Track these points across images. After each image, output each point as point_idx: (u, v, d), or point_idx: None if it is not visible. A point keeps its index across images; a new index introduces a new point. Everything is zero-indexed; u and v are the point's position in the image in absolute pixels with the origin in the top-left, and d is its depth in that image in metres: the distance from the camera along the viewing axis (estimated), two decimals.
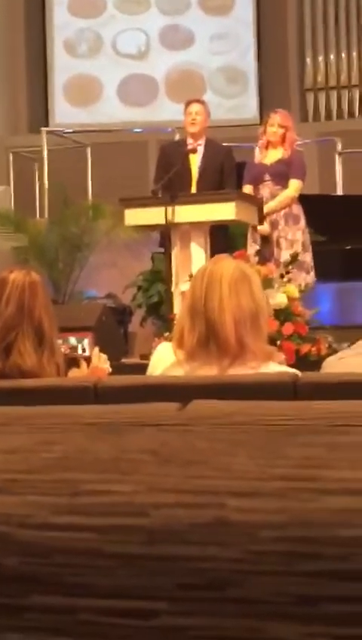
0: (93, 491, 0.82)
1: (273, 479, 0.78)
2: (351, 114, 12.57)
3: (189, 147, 7.76)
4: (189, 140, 7.93)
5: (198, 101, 8.16)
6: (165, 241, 7.33)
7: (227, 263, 3.27)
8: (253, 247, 7.58)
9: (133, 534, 0.79)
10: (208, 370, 3.17)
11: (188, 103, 8.07)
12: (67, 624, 0.82)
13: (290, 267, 6.60)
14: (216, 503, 0.78)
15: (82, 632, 0.81)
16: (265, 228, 7.46)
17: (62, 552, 0.81)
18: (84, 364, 3.97)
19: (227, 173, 7.89)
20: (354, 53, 12.64)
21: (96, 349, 4.15)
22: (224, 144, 8.24)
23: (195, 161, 7.84)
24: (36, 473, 0.83)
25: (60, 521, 0.81)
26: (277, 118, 7.72)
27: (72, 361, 3.98)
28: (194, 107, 7.97)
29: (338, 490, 0.78)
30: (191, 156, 7.74)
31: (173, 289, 6.89)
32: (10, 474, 0.84)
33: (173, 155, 7.84)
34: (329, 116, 12.64)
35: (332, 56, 12.67)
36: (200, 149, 7.85)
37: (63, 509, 0.81)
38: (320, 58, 12.71)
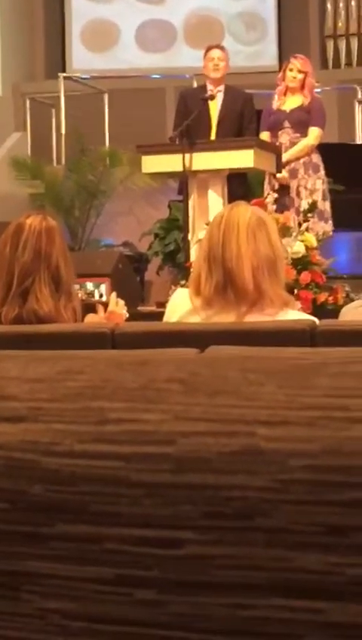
0: (120, 419, 0.81)
1: (302, 408, 0.77)
2: None
3: (208, 94, 7.69)
4: (209, 87, 7.86)
5: (219, 47, 8.09)
6: (182, 189, 7.30)
7: (243, 209, 3.25)
8: (271, 196, 7.53)
9: (160, 462, 0.78)
10: (225, 317, 3.16)
11: (208, 49, 7.99)
12: (92, 553, 0.81)
13: (309, 215, 6.57)
14: (245, 432, 0.77)
15: (107, 560, 0.80)
16: (283, 176, 7.41)
17: (88, 480, 0.80)
18: (101, 309, 3.97)
19: (247, 120, 7.83)
20: None
21: (114, 294, 4.15)
22: (244, 91, 8.17)
23: (215, 108, 7.78)
24: (62, 402, 0.82)
25: (86, 449, 0.80)
26: (296, 63, 7.65)
27: (89, 307, 3.98)
28: (216, 53, 7.89)
29: None
30: (211, 103, 7.68)
31: (190, 237, 6.88)
32: (36, 402, 0.83)
33: (192, 101, 7.78)
34: (349, 63, 12.50)
35: (353, 3, 12.49)
36: (220, 96, 7.79)
37: (89, 437, 0.81)
38: (341, 4, 12.54)
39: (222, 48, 8.05)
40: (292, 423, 0.76)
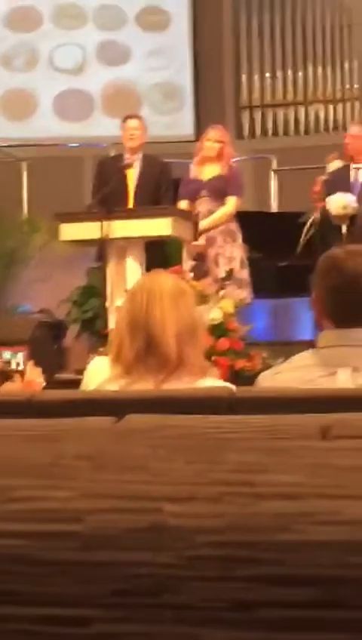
0: (27, 497, 0.80)
1: (209, 484, 0.78)
2: (286, 132, 12.67)
3: (126, 162, 7.76)
4: (126, 155, 7.94)
5: (135, 116, 8.18)
6: (101, 256, 7.32)
7: (165, 278, 3.28)
8: (188, 263, 7.59)
9: (67, 540, 0.77)
10: (144, 385, 3.16)
11: (125, 118, 8.09)
12: None
13: (226, 283, 6.63)
14: (152, 508, 0.77)
15: None
16: (200, 244, 7.48)
17: None
18: (18, 377, 3.95)
19: (164, 188, 7.91)
20: (289, 72, 12.76)
21: (31, 362, 4.13)
22: (161, 159, 8.26)
23: (132, 177, 7.84)
24: None
25: None
26: (214, 133, 7.76)
27: (6, 375, 3.95)
28: (132, 122, 7.99)
29: (275, 495, 0.77)
30: (128, 171, 7.75)
31: (108, 304, 6.88)
32: None
33: (109, 170, 7.85)
34: (264, 134, 12.73)
35: (267, 74, 12.77)
36: (137, 164, 7.86)
37: None
38: (256, 76, 12.80)
39: (139, 117, 8.15)
40: (199, 498, 0.76)
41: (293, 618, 0.72)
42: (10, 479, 0.82)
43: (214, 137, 7.72)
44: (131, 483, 0.79)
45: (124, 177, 7.77)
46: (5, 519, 0.80)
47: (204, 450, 0.83)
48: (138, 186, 7.85)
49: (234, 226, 7.68)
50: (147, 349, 3.16)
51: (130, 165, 7.74)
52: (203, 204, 7.66)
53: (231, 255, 7.58)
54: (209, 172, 7.72)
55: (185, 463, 0.80)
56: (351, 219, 8.06)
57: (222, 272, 7.32)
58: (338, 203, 8.02)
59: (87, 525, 0.77)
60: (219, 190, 7.62)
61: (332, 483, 0.80)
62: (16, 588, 0.79)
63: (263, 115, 12.76)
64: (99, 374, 3.33)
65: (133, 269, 6.73)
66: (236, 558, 0.74)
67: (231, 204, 7.63)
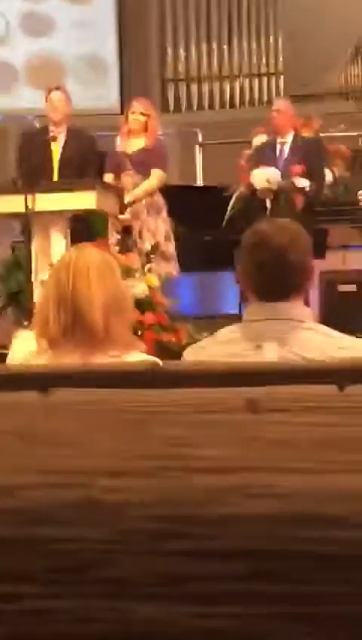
0: None
1: (141, 458, 0.78)
2: (211, 106, 12.66)
3: (50, 135, 7.69)
4: (51, 128, 7.86)
5: (59, 88, 8.10)
6: (25, 230, 7.25)
7: (91, 251, 3.27)
8: (113, 237, 7.56)
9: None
10: (70, 359, 3.15)
11: (49, 90, 8.01)
12: None
13: (152, 257, 6.62)
14: (84, 483, 0.77)
15: None
16: (126, 217, 7.46)
17: None
18: None
19: (88, 161, 7.85)
20: (215, 45, 12.75)
21: None
22: (86, 132, 8.20)
23: (57, 150, 7.77)
24: None
25: None
26: (138, 106, 7.72)
27: None
28: (56, 94, 7.90)
29: (206, 469, 0.77)
30: (53, 144, 7.68)
31: (32, 278, 6.83)
32: None
33: (34, 142, 7.76)
34: (189, 107, 12.70)
35: (193, 48, 12.74)
36: (62, 137, 7.80)
37: None
38: (181, 49, 12.77)
39: (62, 89, 8.07)
40: (130, 473, 0.76)
41: (225, 591, 0.72)
42: None
43: (139, 110, 7.69)
44: (62, 458, 0.78)
45: (49, 150, 7.70)
46: None
47: (135, 425, 0.83)
48: (63, 159, 7.78)
49: (159, 200, 7.67)
50: (73, 323, 3.15)
51: (54, 138, 7.67)
52: (128, 178, 7.63)
53: (156, 228, 7.57)
54: (134, 145, 7.69)
55: (115, 439, 0.80)
56: (276, 193, 8.09)
57: (147, 246, 7.31)
58: (263, 177, 8.03)
59: (19, 500, 0.77)
60: (144, 163, 7.59)
61: (263, 456, 0.80)
62: None
63: (188, 89, 12.74)
64: (24, 348, 3.31)
65: (57, 243, 6.68)
66: (168, 532, 0.75)
67: (156, 177, 7.61)
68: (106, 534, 0.75)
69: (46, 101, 7.92)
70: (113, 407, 1.19)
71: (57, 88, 8.02)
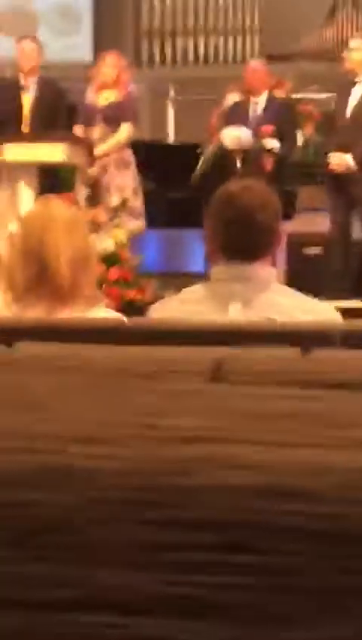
0: None
1: (111, 426, 0.78)
2: (184, 61, 12.58)
3: (21, 85, 7.63)
4: (21, 78, 7.79)
5: (30, 37, 8.03)
6: None
7: (59, 205, 3.26)
8: (81, 191, 7.53)
9: None
10: (35, 313, 3.14)
11: (20, 39, 7.93)
12: None
13: (119, 212, 6.61)
14: (53, 448, 0.76)
15: None
16: (94, 171, 7.43)
17: None
18: None
19: (60, 113, 7.81)
20: (191, 0, 12.64)
21: None
22: (57, 84, 8.14)
23: (27, 100, 7.72)
24: None
25: None
26: (110, 59, 7.68)
27: None
28: (27, 44, 7.83)
29: (176, 439, 0.78)
30: (24, 95, 7.62)
31: None
32: None
33: (3, 92, 7.71)
34: (163, 62, 12.62)
35: (168, 1, 12.62)
36: (33, 88, 7.73)
37: None
38: (156, 2, 12.65)
39: (33, 39, 8.00)
40: (100, 439, 0.76)
41: (194, 561, 0.73)
42: None
43: (111, 63, 7.65)
44: (31, 422, 0.78)
45: (19, 100, 7.64)
46: None
47: (107, 390, 0.83)
48: (33, 110, 7.73)
49: (127, 155, 7.65)
50: (39, 277, 3.14)
51: (25, 88, 7.61)
52: (97, 131, 7.59)
53: (124, 184, 7.55)
54: (105, 98, 7.66)
55: (87, 403, 0.80)
56: (246, 152, 8.08)
57: (114, 201, 7.29)
58: (233, 136, 8.02)
59: None
60: (114, 117, 7.56)
61: (230, 427, 0.81)
62: None
63: (163, 43, 12.64)
64: None
65: (25, 195, 6.65)
66: (137, 500, 0.75)
67: (125, 130, 7.58)
68: (76, 500, 0.75)
69: (16, 50, 7.84)
70: (82, 367, 1.19)
71: (26, 38, 7.95)
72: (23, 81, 7.73)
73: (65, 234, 3.13)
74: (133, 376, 1.04)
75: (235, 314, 3.08)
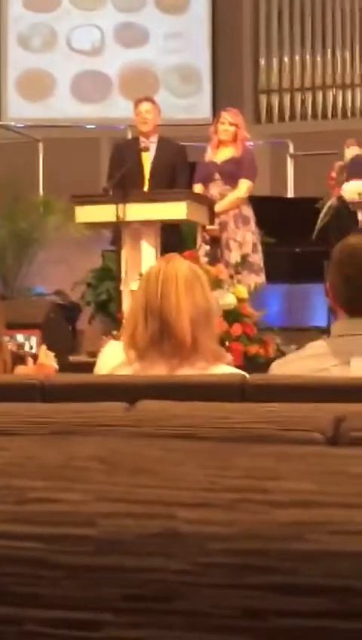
0: (40, 499, 0.80)
1: (222, 490, 0.78)
2: (303, 116, 12.63)
3: (141, 145, 7.75)
4: (142, 139, 7.92)
5: (148, 99, 8.14)
6: (116, 239, 7.32)
7: (180, 262, 3.28)
8: (202, 248, 7.59)
9: (80, 544, 0.77)
10: (158, 370, 3.16)
11: (137, 102, 8.06)
12: (12, 635, 0.80)
13: (239, 268, 6.63)
14: (165, 514, 0.77)
15: None
16: (214, 228, 7.47)
17: (7, 561, 0.79)
18: (30, 361, 3.95)
19: (179, 171, 7.90)
20: (308, 56, 12.71)
21: (43, 346, 4.14)
22: (177, 142, 8.24)
23: (148, 160, 7.83)
24: None
25: (5, 530, 0.79)
26: (227, 116, 7.74)
27: (19, 359, 3.96)
28: (144, 106, 7.96)
29: (288, 503, 0.77)
30: (144, 154, 7.73)
31: (122, 287, 6.88)
32: None
33: (125, 152, 7.84)
34: (281, 118, 12.69)
35: (286, 59, 12.71)
36: (153, 147, 7.84)
37: (8, 517, 0.80)
38: (274, 60, 12.75)
39: (151, 100, 8.11)
40: (212, 505, 0.76)
41: (305, 627, 0.72)
42: (22, 480, 0.82)
43: (227, 120, 7.70)
44: (144, 487, 0.79)
45: (140, 160, 7.76)
46: (18, 521, 0.80)
47: (216, 454, 0.83)
48: (153, 169, 7.84)
49: (247, 211, 7.67)
50: (161, 334, 3.16)
51: (146, 149, 7.73)
52: (215, 188, 7.64)
53: (243, 239, 7.57)
54: (223, 155, 7.71)
55: (197, 467, 0.80)
56: None
57: (234, 257, 7.31)
58: (354, 190, 7.99)
59: (100, 529, 0.77)
60: (232, 173, 7.60)
61: (346, 491, 0.79)
62: (29, 590, 0.79)
63: (281, 99, 12.72)
64: (112, 358, 3.33)
65: (147, 253, 6.73)
66: (248, 566, 0.74)
67: (243, 187, 7.61)
68: (186, 566, 0.75)
69: (135, 113, 7.97)
70: (197, 424, 1.19)
71: (144, 99, 8.07)
72: (143, 142, 7.86)
73: (186, 291, 3.15)
74: (247, 438, 1.04)
75: (358, 368, 3.05)
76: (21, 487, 0.81)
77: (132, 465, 0.81)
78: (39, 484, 0.81)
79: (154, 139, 7.91)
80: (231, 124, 7.67)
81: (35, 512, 0.79)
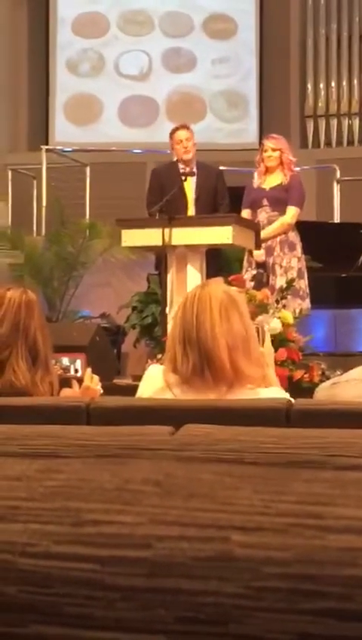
0: (96, 521, 0.81)
1: (277, 515, 0.78)
2: (350, 142, 12.62)
3: (186, 171, 7.79)
4: (181, 165, 7.95)
5: (184, 127, 8.15)
6: (161, 263, 7.34)
7: (215, 287, 3.25)
8: (248, 272, 7.60)
9: (135, 566, 0.78)
10: (199, 395, 3.15)
11: (174, 130, 8.07)
12: None
13: (285, 293, 6.62)
14: (220, 537, 0.77)
15: None
16: (260, 253, 7.48)
17: (63, 581, 0.80)
18: (76, 384, 3.97)
19: (220, 195, 7.93)
20: (355, 81, 12.70)
21: (89, 370, 4.15)
22: (215, 166, 8.28)
23: (190, 185, 7.86)
24: (38, 501, 0.83)
25: (62, 551, 0.81)
26: (269, 143, 7.75)
27: (65, 382, 3.98)
28: (184, 134, 7.98)
29: (343, 529, 0.77)
30: (187, 180, 7.77)
31: (167, 311, 6.90)
32: (13, 501, 0.84)
33: (166, 177, 7.87)
34: (328, 143, 12.68)
35: (333, 84, 12.72)
36: (193, 172, 7.87)
37: (65, 539, 0.81)
38: (321, 85, 12.76)
39: (187, 127, 8.12)
40: (266, 529, 0.77)
41: None
42: (78, 502, 0.83)
43: (271, 147, 7.71)
44: (198, 511, 0.79)
45: (182, 185, 7.78)
46: (74, 542, 0.81)
47: (271, 479, 0.84)
48: (197, 194, 7.87)
49: (293, 236, 7.66)
50: (201, 364, 3.14)
51: (192, 173, 7.76)
52: (263, 214, 7.65)
53: (289, 265, 7.56)
54: (271, 181, 7.72)
55: (251, 492, 0.81)
56: None
57: (279, 282, 7.30)
58: None
59: (155, 552, 0.78)
60: (279, 200, 7.60)
61: None
62: (83, 611, 0.80)
63: (327, 125, 12.72)
64: (154, 383, 3.33)
65: (193, 277, 6.74)
66: (302, 591, 0.75)
67: (290, 214, 7.61)
68: (240, 589, 0.75)
69: (173, 141, 7.97)
70: (242, 449, 1.20)
71: (181, 127, 8.09)
72: (182, 168, 7.90)
73: (220, 317, 3.12)
74: (295, 464, 1.04)
75: None
76: (77, 509, 0.82)
77: (186, 488, 0.82)
78: (95, 507, 0.82)
79: (193, 164, 7.95)
80: (275, 150, 7.67)
81: (91, 534, 0.80)
